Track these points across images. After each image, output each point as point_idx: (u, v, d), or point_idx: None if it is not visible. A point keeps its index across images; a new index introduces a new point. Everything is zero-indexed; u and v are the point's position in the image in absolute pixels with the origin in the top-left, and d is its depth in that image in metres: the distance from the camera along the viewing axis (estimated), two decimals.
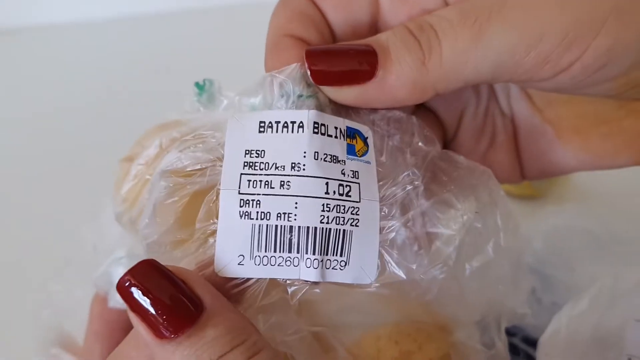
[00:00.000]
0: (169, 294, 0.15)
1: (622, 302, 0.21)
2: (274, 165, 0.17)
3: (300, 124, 0.17)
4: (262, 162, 0.17)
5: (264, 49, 0.19)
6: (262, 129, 0.18)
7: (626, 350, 0.20)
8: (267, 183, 0.17)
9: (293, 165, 0.17)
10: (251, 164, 0.17)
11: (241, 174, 0.17)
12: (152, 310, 0.15)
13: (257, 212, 0.16)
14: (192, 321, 0.15)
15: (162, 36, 0.80)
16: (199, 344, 0.15)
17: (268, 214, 0.16)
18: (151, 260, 0.15)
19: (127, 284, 0.15)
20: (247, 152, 0.17)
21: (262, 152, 0.17)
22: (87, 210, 0.45)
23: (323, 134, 0.17)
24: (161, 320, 0.15)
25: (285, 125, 0.17)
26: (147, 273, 0.15)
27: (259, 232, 0.17)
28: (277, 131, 0.17)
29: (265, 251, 0.17)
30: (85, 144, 0.56)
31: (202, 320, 0.15)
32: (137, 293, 0.15)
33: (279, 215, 0.16)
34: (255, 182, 0.17)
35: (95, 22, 0.82)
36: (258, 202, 0.17)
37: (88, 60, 0.74)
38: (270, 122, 0.18)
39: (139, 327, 0.15)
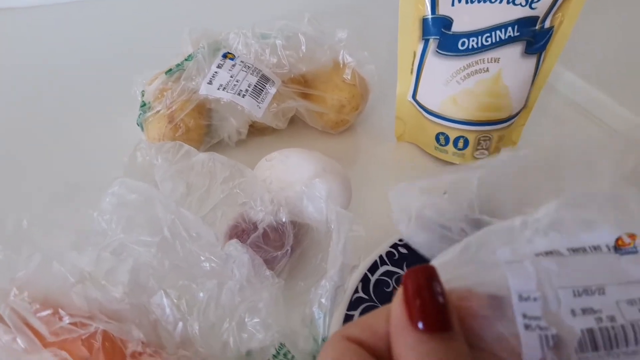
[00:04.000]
0: (437, 303, 0.18)
1: (482, 250, 0.20)
2: None
3: None
4: None
5: None
6: None
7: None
8: None
9: None
10: None
11: None
12: (419, 303, 0.18)
13: None
14: (443, 329, 0.18)
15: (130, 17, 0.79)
16: (445, 349, 0.17)
17: None
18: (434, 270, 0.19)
19: (412, 277, 0.19)
20: None
21: None
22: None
23: None
24: (424, 314, 0.18)
25: None
26: (430, 277, 0.19)
27: None
28: None
29: None
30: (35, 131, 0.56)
31: (451, 334, 0.18)
32: (419, 287, 0.18)
33: None
34: None
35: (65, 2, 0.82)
36: None
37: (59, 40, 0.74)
38: None
39: (400, 310, 0.18)
